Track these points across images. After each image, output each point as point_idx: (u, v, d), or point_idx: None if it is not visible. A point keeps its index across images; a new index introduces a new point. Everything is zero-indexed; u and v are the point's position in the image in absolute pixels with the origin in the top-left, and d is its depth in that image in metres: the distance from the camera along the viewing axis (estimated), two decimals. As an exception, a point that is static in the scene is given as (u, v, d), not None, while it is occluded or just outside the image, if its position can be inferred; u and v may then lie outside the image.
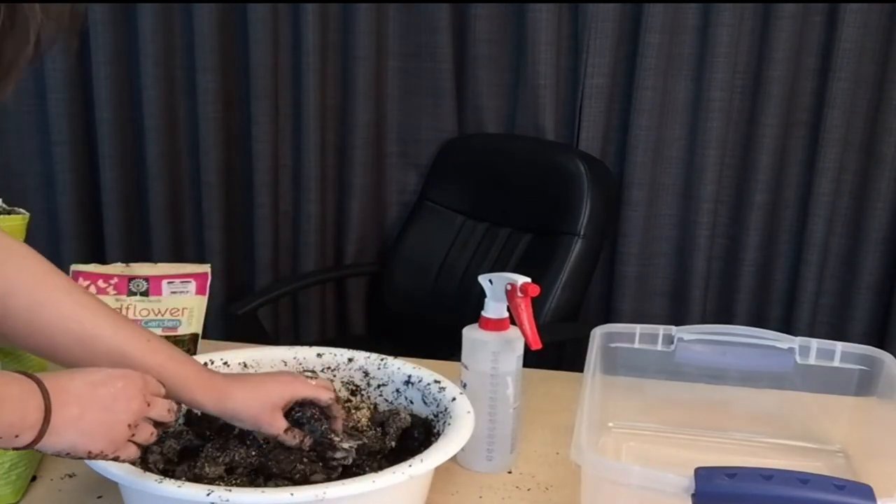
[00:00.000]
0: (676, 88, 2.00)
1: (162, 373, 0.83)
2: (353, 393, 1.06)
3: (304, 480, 0.87)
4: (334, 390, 0.95)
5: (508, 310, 1.02)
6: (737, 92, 1.98)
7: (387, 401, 1.04)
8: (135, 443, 0.77)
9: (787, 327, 2.05)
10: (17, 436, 0.68)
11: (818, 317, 2.07)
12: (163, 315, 1.15)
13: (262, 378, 0.92)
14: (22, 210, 1.01)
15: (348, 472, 0.90)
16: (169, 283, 1.16)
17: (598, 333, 1.10)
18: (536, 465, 1.07)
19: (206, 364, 0.98)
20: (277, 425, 0.88)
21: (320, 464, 0.89)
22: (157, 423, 0.79)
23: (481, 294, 1.04)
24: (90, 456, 0.74)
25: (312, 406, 0.91)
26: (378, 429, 0.97)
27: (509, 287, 1.01)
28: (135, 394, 0.76)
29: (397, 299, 2.12)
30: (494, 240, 2.01)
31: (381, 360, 1.06)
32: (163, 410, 0.79)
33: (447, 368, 1.06)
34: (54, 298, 0.83)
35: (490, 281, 1.03)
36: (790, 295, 2.06)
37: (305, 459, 0.89)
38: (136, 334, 0.86)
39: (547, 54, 1.99)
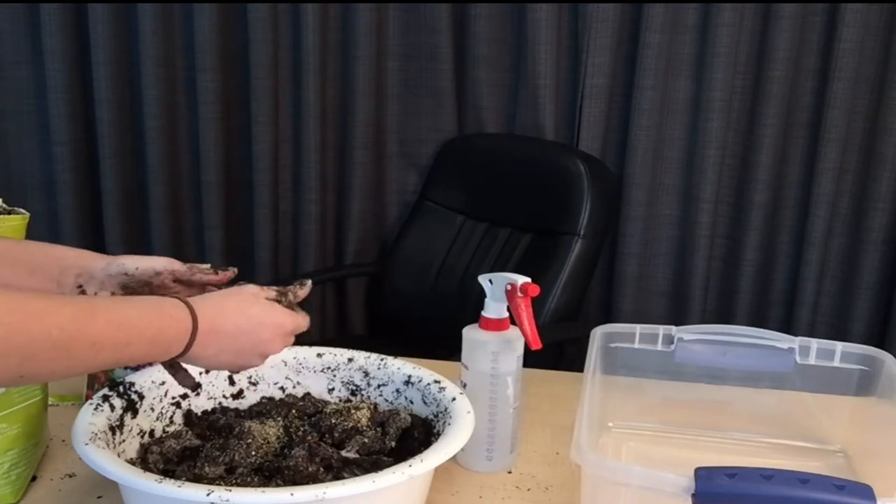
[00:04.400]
0: (676, 88, 2.00)
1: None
2: (353, 393, 1.06)
3: (304, 480, 0.87)
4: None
5: (508, 310, 1.03)
6: (737, 92, 1.98)
7: (387, 401, 1.04)
8: None
9: (787, 327, 2.05)
10: (153, 362, 0.79)
11: (818, 317, 2.07)
12: (163, 315, 1.14)
13: None
14: (22, 210, 1.01)
15: (348, 472, 0.90)
16: (169, 283, 1.16)
17: (598, 333, 1.10)
18: (536, 465, 1.07)
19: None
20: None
21: (322, 468, 0.90)
22: None
23: (481, 294, 1.04)
24: (208, 371, 0.85)
25: None
26: (378, 429, 0.97)
27: (509, 287, 1.01)
28: (275, 346, 0.84)
29: (397, 299, 2.12)
30: (494, 240, 2.01)
31: (381, 360, 1.06)
32: (291, 342, 0.87)
33: (447, 368, 1.06)
34: None
35: (490, 281, 1.03)
36: (790, 295, 2.06)
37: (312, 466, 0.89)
38: None
39: (547, 54, 1.99)
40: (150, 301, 0.77)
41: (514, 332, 1.03)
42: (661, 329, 1.10)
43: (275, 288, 0.87)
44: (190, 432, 0.96)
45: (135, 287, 0.89)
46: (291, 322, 0.85)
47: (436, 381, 1.00)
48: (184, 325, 0.77)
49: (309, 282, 0.91)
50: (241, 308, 0.82)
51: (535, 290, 0.99)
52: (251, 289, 0.85)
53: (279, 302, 0.87)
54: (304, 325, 0.87)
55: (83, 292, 0.87)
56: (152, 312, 0.76)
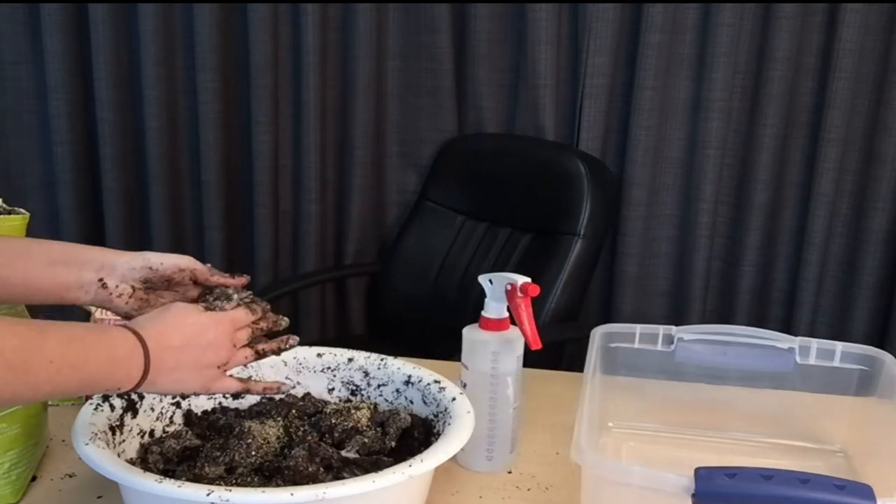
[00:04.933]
0: (676, 88, 2.00)
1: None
2: (353, 393, 1.06)
3: (304, 480, 0.87)
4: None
5: (508, 310, 1.03)
6: (737, 92, 1.98)
7: (387, 401, 1.04)
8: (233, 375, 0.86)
9: (787, 327, 2.05)
10: (119, 388, 0.77)
11: (818, 317, 2.07)
12: (163, 315, 1.14)
13: None
14: (22, 210, 1.01)
15: (348, 472, 0.90)
16: (169, 283, 1.16)
17: (598, 333, 1.10)
18: (536, 465, 1.07)
19: None
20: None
21: (322, 468, 0.90)
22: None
23: (481, 294, 1.04)
24: (184, 396, 0.85)
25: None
26: (378, 429, 0.97)
27: (509, 287, 1.01)
28: (223, 342, 0.84)
29: (397, 299, 2.12)
30: (494, 240, 2.01)
31: (381, 360, 1.06)
32: (244, 340, 0.87)
33: (447, 368, 1.06)
34: None
35: (490, 281, 1.03)
36: (790, 295, 2.06)
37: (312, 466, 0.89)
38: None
39: (547, 54, 1.99)
40: (93, 324, 0.79)
41: (514, 332, 1.03)
42: (661, 329, 1.11)
43: (202, 304, 0.88)
44: (190, 432, 0.96)
45: (156, 282, 0.90)
46: (227, 318, 0.86)
47: (436, 381, 1.00)
48: (131, 342, 0.77)
49: (235, 296, 0.90)
50: (178, 319, 0.82)
51: (535, 290, 0.99)
52: (180, 304, 0.85)
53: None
54: (241, 315, 0.87)
55: (104, 286, 0.87)
56: (99, 331, 0.76)
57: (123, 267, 0.88)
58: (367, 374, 1.06)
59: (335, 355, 1.08)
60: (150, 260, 0.89)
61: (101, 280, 0.88)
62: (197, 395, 0.85)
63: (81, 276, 0.87)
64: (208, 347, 0.83)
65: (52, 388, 0.71)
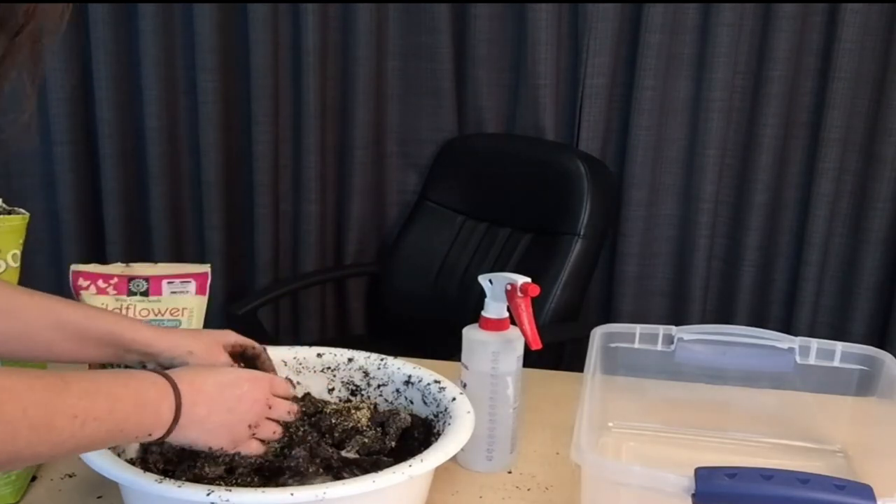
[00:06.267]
0: (676, 88, 2.00)
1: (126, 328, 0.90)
2: (353, 393, 1.06)
3: (305, 480, 0.87)
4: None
5: (508, 310, 1.03)
6: (737, 92, 1.98)
7: (387, 401, 1.04)
8: (259, 439, 0.84)
9: (787, 327, 2.05)
10: (150, 434, 0.74)
11: (818, 317, 2.07)
12: (163, 315, 1.15)
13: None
14: (22, 210, 1.01)
15: (348, 472, 0.90)
16: (169, 283, 1.16)
17: (598, 333, 1.10)
18: (536, 465, 1.07)
19: None
20: (221, 360, 0.92)
21: (322, 468, 0.90)
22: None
23: (481, 294, 1.04)
24: (210, 450, 0.81)
25: None
26: (378, 429, 0.97)
27: (509, 287, 1.01)
28: (258, 397, 0.83)
29: (397, 299, 2.12)
30: (494, 240, 2.01)
31: (381, 360, 1.06)
32: (283, 412, 0.86)
33: (447, 368, 1.06)
34: (22, 303, 0.87)
35: (490, 281, 1.03)
36: (790, 295, 2.06)
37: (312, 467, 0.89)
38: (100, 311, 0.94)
39: (547, 54, 1.99)
40: (119, 370, 0.79)
41: (514, 332, 1.03)
42: (661, 329, 1.10)
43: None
44: (190, 432, 0.96)
45: None
46: (266, 377, 0.86)
47: (436, 381, 1.00)
48: (162, 386, 0.75)
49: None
50: (213, 369, 0.83)
51: (535, 290, 0.99)
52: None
53: None
54: (282, 383, 0.88)
55: (144, 367, 0.89)
56: (126, 377, 0.74)
57: (165, 359, 0.89)
58: (367, 374, 1.06)
59: (335, 355, 1.08)
60: (190, 357, 0.90)
61: (141, 362, 0.90)
62: (222, 453, 0.82)
63: (125, 358, 0.89)
64: (242, 399, 0.81)
65: (76, 444, 0.67)
